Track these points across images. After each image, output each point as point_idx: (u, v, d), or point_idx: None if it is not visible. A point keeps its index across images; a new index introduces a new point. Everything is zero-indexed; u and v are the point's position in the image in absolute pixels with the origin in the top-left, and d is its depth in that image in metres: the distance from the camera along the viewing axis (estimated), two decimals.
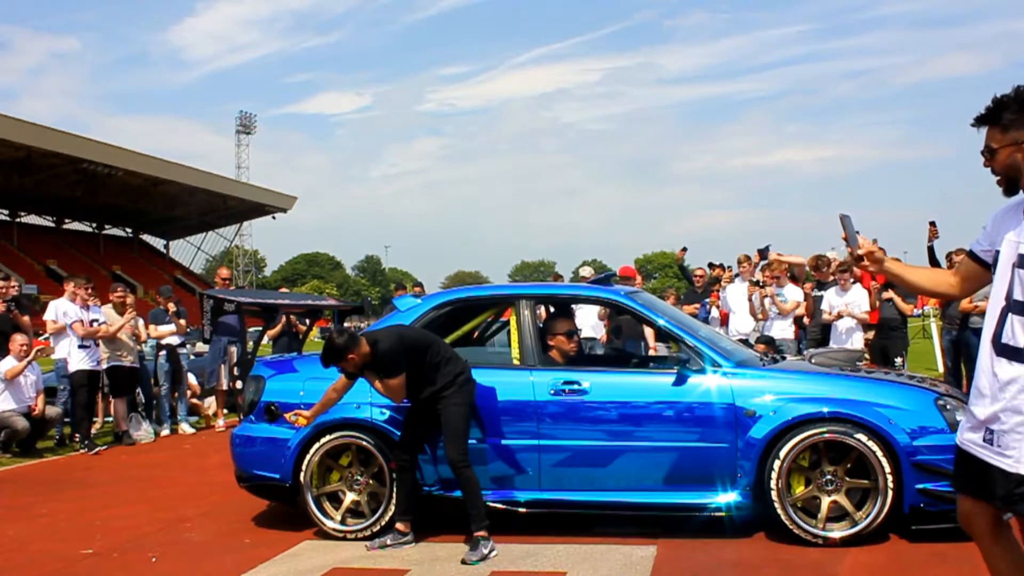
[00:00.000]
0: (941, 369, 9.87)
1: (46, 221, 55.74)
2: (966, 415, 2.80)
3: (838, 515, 4.68)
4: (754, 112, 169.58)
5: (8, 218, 52.16)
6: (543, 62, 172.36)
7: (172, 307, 10.37)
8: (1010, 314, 2.63)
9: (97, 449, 8.99)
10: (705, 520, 4.83)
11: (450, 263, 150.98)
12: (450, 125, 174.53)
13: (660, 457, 4.87)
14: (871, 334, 9.06)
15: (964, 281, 2.94)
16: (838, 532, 4.62)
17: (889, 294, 9.01)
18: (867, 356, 8.48)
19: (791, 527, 4.64)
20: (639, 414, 4.94)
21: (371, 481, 5.20)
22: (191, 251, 64.81)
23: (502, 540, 4.79)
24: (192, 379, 11.01)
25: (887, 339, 9.06)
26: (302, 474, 5.18)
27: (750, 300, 9.54)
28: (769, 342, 8.30)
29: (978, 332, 8.09)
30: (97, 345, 9.36)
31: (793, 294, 9.42)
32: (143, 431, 9.69)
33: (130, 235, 61.61)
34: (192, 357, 11.42)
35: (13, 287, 9.99)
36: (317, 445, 5.18)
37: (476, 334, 6.13)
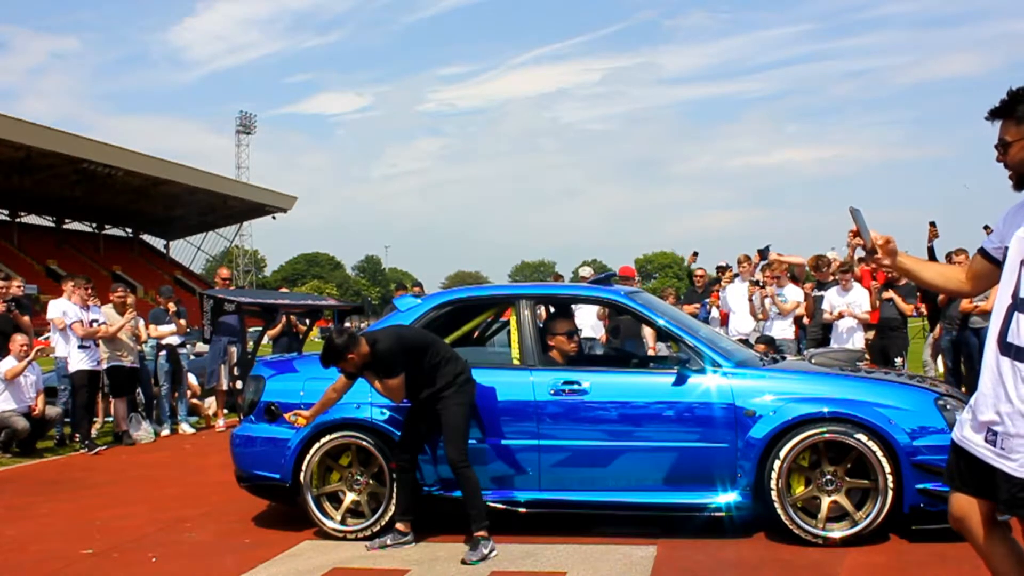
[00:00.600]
0: (929, 370, 9.86)
1: (46, 221, 55.75)
2: (966, 413, 2.75)
3: (838, 515, 4.68)
4: (754, 112, 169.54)
5: (8, 218, 52.14)
6: (543, 62, 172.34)
7: (172, 307, 10.37)
8: (1016, 312, 2.56)
9: (97, 449, 9.00)
10: (705, 520, 4.83)
11: (450, 263, 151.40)
12: (450, 125, 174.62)
13: (660, 457, 4.87)
14: (871, 334, 9.07)
15: (975, 278, 2.87)
16: (838, 532, 4.62)
17: (889, 294, 9.01)
18: (867, 356, 8.48)
19: (791, 527, 4.64)
20: (639, 414, 4.94)
21: (371, 481, 5.20)
22: (191, 251, 64.98)
23: (502, 540, 4.79)
24: (192, 379, 11.01)
25: (887, 339, 9.06)
26: (302, 474, 5.18)
27: (750, 300, 9.56)
28: (769, 342, 8.31)
29: (978, 332, 8.19)
30: (97, 345, 9.36)
31: (793, 294, 9.43)
32: (143, 431, 9.70)
33: (130, 235, 61.62)
34: (192, 357, 11.42)
35: (18, 287, 10.01)
36: (317, 445, 5.18)
37: (476, 334, 6.13)
